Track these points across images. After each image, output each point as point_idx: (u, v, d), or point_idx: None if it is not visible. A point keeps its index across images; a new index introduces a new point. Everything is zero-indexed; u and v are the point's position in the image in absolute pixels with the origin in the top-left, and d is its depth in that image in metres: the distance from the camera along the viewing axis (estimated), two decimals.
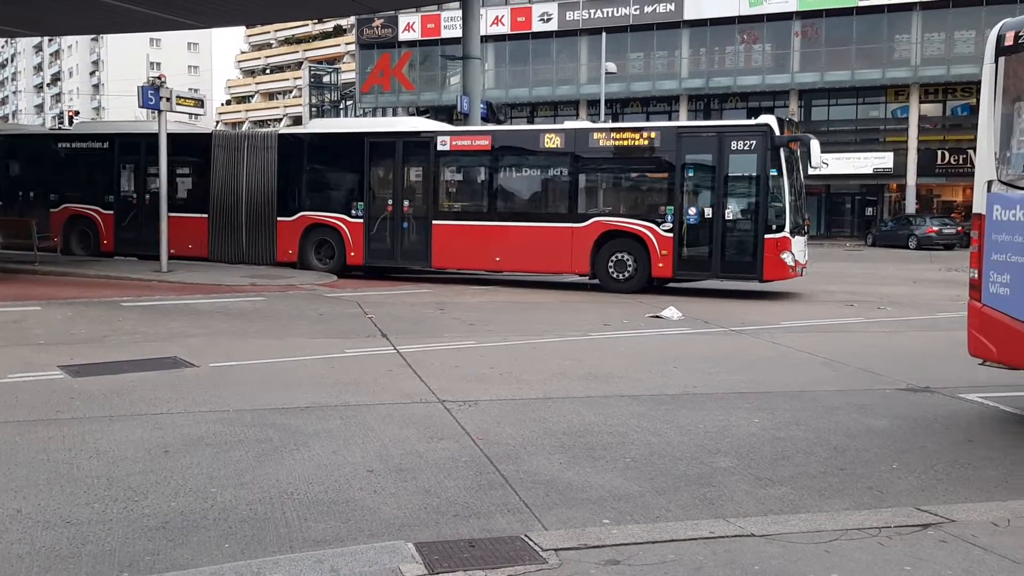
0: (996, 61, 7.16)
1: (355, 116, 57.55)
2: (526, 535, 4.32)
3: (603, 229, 16.87)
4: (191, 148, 20.76)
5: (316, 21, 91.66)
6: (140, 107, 19.52)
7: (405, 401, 7.57)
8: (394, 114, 53.10)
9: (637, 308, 14.34)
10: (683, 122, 37.93)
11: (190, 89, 44.04)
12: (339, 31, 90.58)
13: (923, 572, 3.91)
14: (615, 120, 44.52)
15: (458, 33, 25.40)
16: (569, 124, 19.47)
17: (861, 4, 40.49)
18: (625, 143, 17.05)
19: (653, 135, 16.86)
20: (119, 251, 21.26)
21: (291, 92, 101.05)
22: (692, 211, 16.21)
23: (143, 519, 4.74)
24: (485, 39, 39.58)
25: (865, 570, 3.92)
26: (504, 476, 5.57)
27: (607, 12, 45.15)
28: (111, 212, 21.41)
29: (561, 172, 17.51)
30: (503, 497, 5.20)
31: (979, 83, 7.39)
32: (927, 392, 8.28)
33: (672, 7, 44.10)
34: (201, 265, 20.89)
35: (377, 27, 49.55)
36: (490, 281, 18.55)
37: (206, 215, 20.26)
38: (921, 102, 41.50)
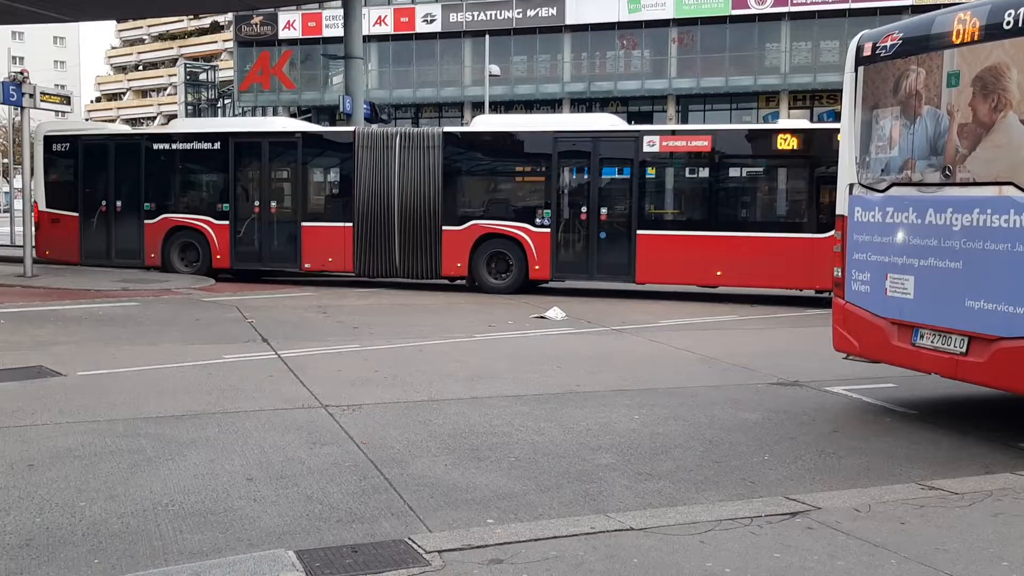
0: (856, 70, 7.55)
1: (234, 115, 56.11)
2: (409, 538, 4.31)
3: None
4: (329, 149, 18.46)
5: (192, 17, 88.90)
6: (1, 104, 18.53)
7: (286, 407, 7.43)
8: (274, 113, 52.00)
9: (522, 309, 14.47)
10: None
11: (56, 85, 42.02)
12: (216, 28, 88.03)
13: (791, 558, 4.09)
14: None
15: (340, 32, 25.08)
16: (807, 124, 17.44)
17: (734, 13, 41.95)
18: None
19: None
20: (236, 267, 18.42)
21: (165, 89, 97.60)
22: None
23: (4, 536, 4.51)
24: (368, 39, 39.17)
25: (738, 559, 4.08)
26: (388, 480, 5.54)
27: (490, 15, 45.36)
28: (225, 223, 18.20)
29: (794, 176, 15.59)
30: (387, 501, 5.17)
31: (842, 91, 7.77)
32: (796, 386, 8.66)
33: (554, 11, 44.65)
34: (68, 269, 19.97)
35: (256, 24, 48.36)
36: (374, 284, 18.36)
37: (350, 224, 17.39)
38: (790, 108, 43.26)
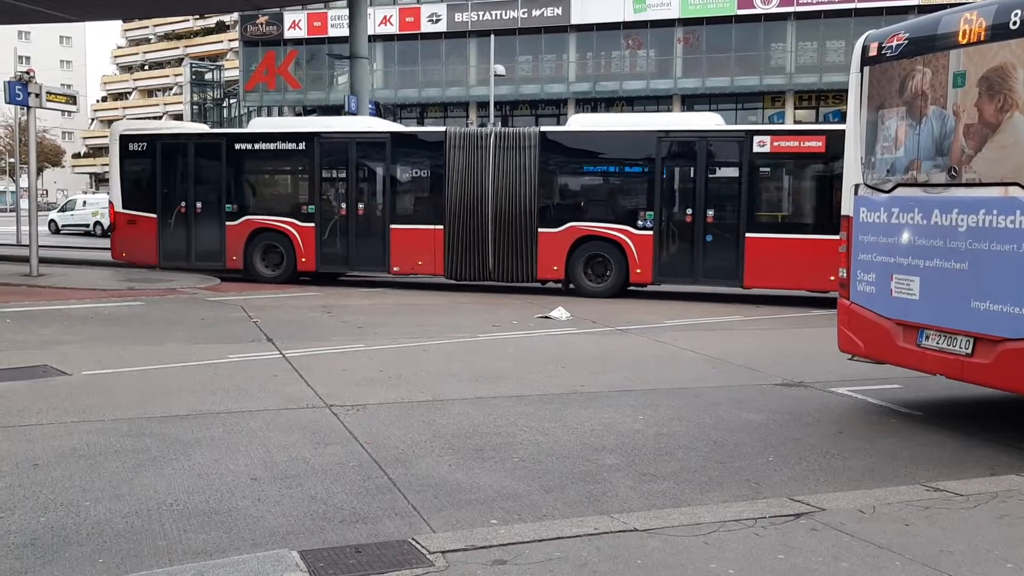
0: (861, 70, 7.54)
1: (238, 116, 56.20)
2: (413, 538, 4.31)
3: None
4: (418, 149, 17.86)
5: (198, 17, 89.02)
6: (6, 103, 18.57)
7: (291, 407, 7.44)
8: (280, 113, 52.08)
9: (527, 309, 14.47)
10: None
11: (62, 85, 42.11)
12: (222, 27, 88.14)
13: (795, 559, 4.08)
14: (504, 123, 44.80)
15: (345, 32, 25.02)
16: None
17: (739, 13, 41.88)
18: None
19: None
20: (321, 269, 17.96)
21: (171, 89, 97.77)
22: None
23: (9, 536, 4.52)
24: (373, 39, 39.18)
25: (742, 560, 4.07)
26: (392, 480, 5.54)
27: (495, 15, 45.36)
28: (311, 225, 17.69)
29: None
30: (391, 501, 5.17)
31: (848, 91, 7.76)
32: (801, 387, 8.64)
33: (559, 11, 44.62)
34: (74, 269, 20.06)
35: (262, 24, 48.42)
36: (379, 283, 18.37)
37: (440, 226, 16.95)
38: (796, 108, 43.18)
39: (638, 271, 16.10)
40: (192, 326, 12.17)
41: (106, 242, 33.52)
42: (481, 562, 3.99)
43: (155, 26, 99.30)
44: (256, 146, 18.18)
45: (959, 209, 6.55)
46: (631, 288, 16.59)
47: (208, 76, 62.47)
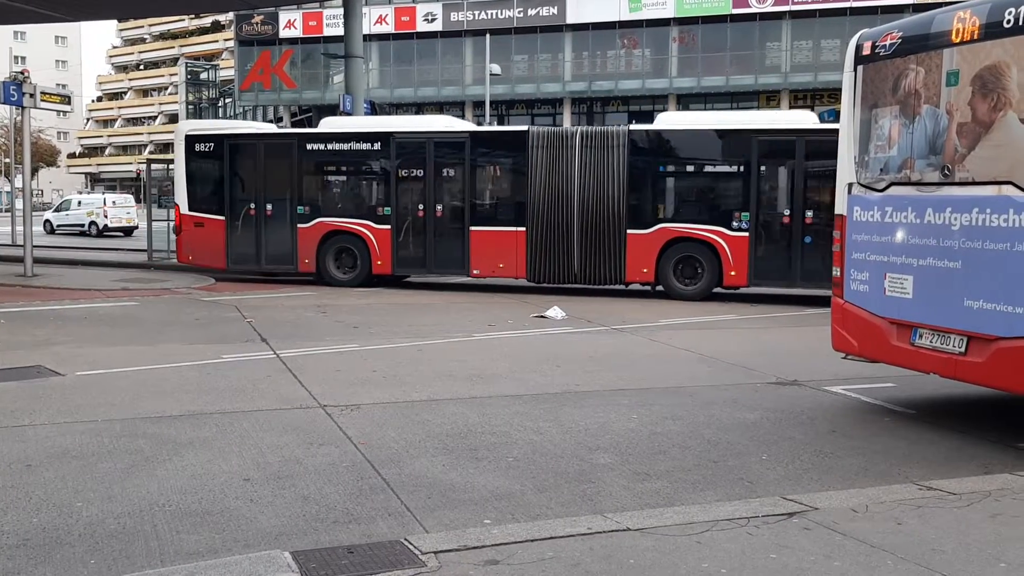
0: (855, 69, 7.54)
1: (234, 115, 56.12)
2: (406, 539, 4.30)
3: None
4: (499, 149, 17.45)
5: (193, 16, 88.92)
6: (1, 103, 18.52)
7: (284, 407, 7.43)
8: (275, 113, 52.02)
9: (522, 308, 14.46)
10: None
11: (57, 85, 42.01)
12: (217, 27, 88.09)
13: (788, 559, 4.08)
14: (500, 122, 44.78)
15: (341, 31, 25.00)
16: None
17: (735, 12, 41.91)
18: None
19: None
20: (398, 272, 17.56)
21: (167, 89, 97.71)
22: None
23: (1, 537, 4.52)
24: (369, 38, 39.16)
25: (734, 559, 4.07)
26: (386, 480, 5.53)
27: (491, 14, 45.34)
28: (387, 227, 17.23)
29: None
30: (384, 501, 5.16)
31: (842, 90, 7.76)
32: (795, 385, 8.64)
33: (555, 11, 44.63)
34: (69, 269, 20.03)
35: (257, 24, 48.36)
36: (374, 283, 18.32)
37: (523, 228, 16.51)
38: (791, 107, 43.19)
39: (732, 273, 15.64)
40: (186, 326, 12.16)
41: (101, 242, 33.58)
42: (474, 562, 3.98)
43: (150, 26, 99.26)
44: (329, 146, 17.70)
45: (952, 208, 6.55)
46: (722, 291, 16.16)
47: (203, 75, 62.34)
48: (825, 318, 8.11)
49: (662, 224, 16.08)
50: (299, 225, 17.64)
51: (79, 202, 42.16)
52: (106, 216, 39.05)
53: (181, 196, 18.35)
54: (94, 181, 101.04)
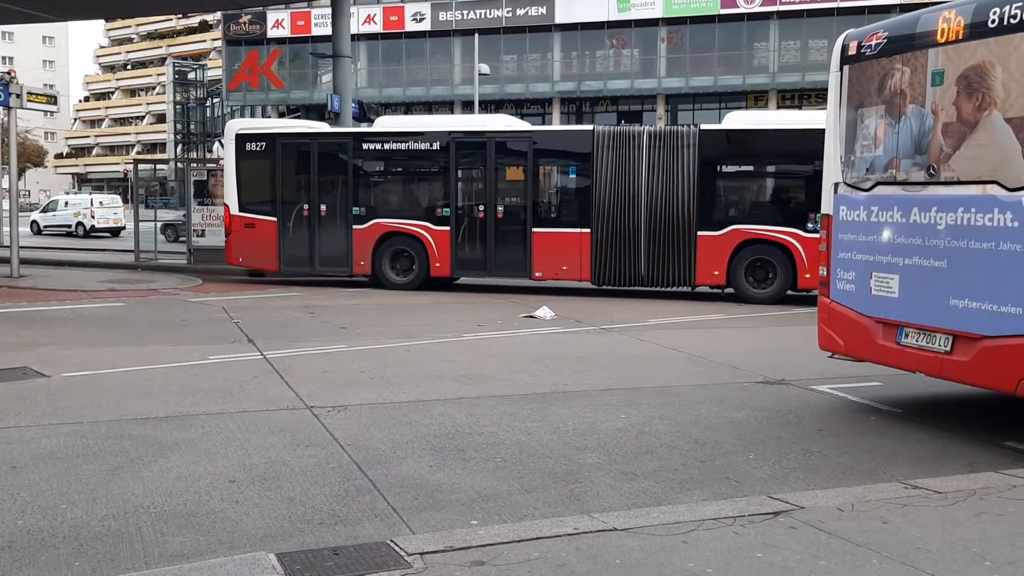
0: (841, 69, 7.56)
1: (222, 114, 55.92)
2: (392, 540, 4.29)
3: None
4: (563, 149, 17.21)
5: (180, 16, 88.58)
6: None
7: (271, 408, 7.40)
8: (263, 113, 51.84)
9: (511, 309, 14.46)
10: None
11: (45, 85, 41.79)
12: (205, 27, 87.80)
13: (773, 558, 4.09)
14: None
15: (329, 31, 24.93)
16: None
17: (722, 12, 42.01)
18: None
19: None
20: (457, 275, 17.32)
21: (154, 89, 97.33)
22: None
23: None
24: (357, 37, 39.09)
25: (720, 559, 4.07)
26: (372, 481, 5.51)
27: (480, 14, 45.34)
28: (446, 228, 16.82)
29: None
30: (371, 503, 5.15)
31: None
32: (782, 384, 8.66)
33: (544, 10, 44.65)
34: (56, 270, 19.90)
35: (245, 23, 48.22)
36: (358, 284, 18.29)
37: (587, 230, 16.14)
38: (779, 107, 43.33)
39: (807, 276, 15.06)
40: (173, 327, 12.11)
41: (88, 243, 33.42)
42: (460, 563, 3.97)
43: (138, 25, 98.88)
44: (386, 145, 17.31)
45: (938, 207, 6.58)
46: (795, 294, 15.66)
47: (191, 75, 62.03)
48: (812, 317, 8.13)
49: (734, 226, 15.71)
50: (354, 226, 17.24)
51: (66, 203, 41.96)
52: (93, 217, 38.89)
53: (231, 196, 17.89)
54: (81, 181, 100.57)
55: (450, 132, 16.97)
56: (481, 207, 16.84)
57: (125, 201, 44.85)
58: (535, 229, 16.45)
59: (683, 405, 7.72)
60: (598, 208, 16.04)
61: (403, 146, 17.23)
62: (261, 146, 17.78)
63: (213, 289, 16.97)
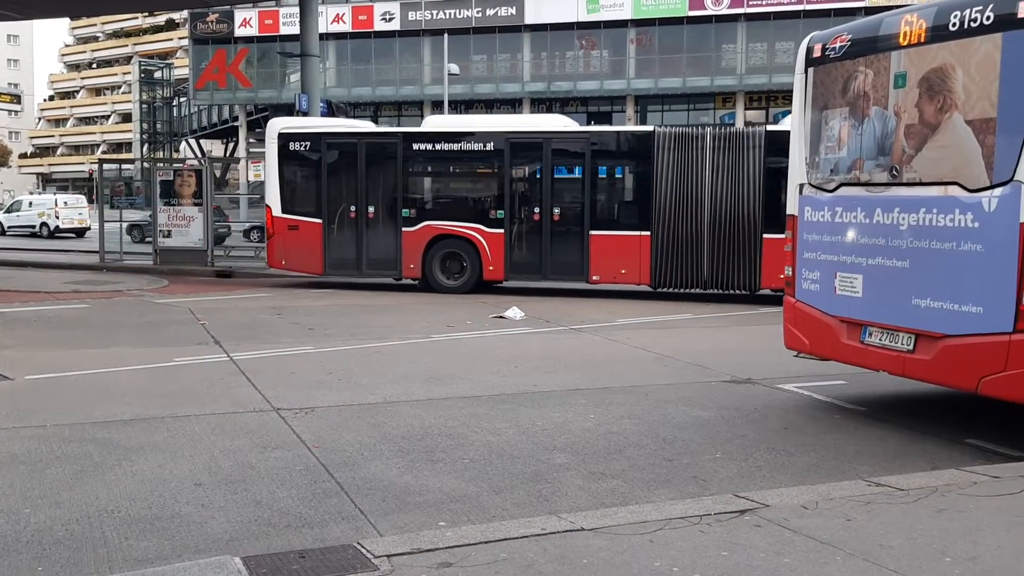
0: (806, 72, 7.64)
1: (189, 113, 55.38)
2: (359, 543, 4.27)
3: None
4: (621, 150, 17.01)
5: (147, 14, 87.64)
6: None
7: (237, 410, 7.34)
8: (230, 112, 51.42)
9: (481, 309, 14.45)
10: None
11: (9, 84, 41.10)
12: (171, 25, 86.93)
13: (738, 556, 4.12)
14: None
15: (297, 30, 24.77)
16: None
17: (691, 14, 42.24)
18: None
19: None
20: (511, 279, 16.86)
21: (119, 88, 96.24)
22: None
23: None
24: (326, 37, 38.88)
25: (686, 557, 4.10)
26: (340, 483, 5.49)
27: (449, 13, 45.25)
28: (499, 231, 16.51)
29: None
30: (338, 505, 5.12)
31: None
32: (749, 383, 8.74)
33: (513, 11, 44.64)
34: (19, 271, 19.58)
35: (212, 22, 47.75)
36: (330, 285, 18.19)
37: (647, 233, 15.83)
38: (746, 109, 43.68)
39: None
40: (138, 329, 11.97)
41: (52, 243, 32.95)
42: (426, 565, 3.97)
43: (103, 24, 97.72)
44: (437, 146, 16.87)
45: (900, 208, 6.67)
46: None
47: (157, 74, 61.37)
48: (778, 317, 8.20)
49: None
50: (404, 229, 16.87)
51: (30, 203, 41.39)
52: (57, 217, 38.41)
53: (273, 197, 17.38)
54: (46, 181, 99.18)
55: (505, 133, 16.70)
56: (536, 209, 16.56)
57: (90, 201, 44.25)
58: (593, 232, 16.20)
59: (651, 404, 7.76)
60: (659, 210, 15.78)
61: (455, 146, 16.92)
62: (305, 146, 17.34)
63: (179, 290, 16.80)
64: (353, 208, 17.15)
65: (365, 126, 18.94)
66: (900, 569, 4.00)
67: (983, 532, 4.46)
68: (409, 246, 16.86)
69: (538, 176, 16.64)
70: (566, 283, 16.86)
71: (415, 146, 16.97)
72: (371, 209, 17.11)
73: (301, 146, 17.37)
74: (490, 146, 16.68)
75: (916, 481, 5.34)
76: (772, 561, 4.07)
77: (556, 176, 16.58)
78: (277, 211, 17.39)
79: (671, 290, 16.12)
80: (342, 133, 17.94)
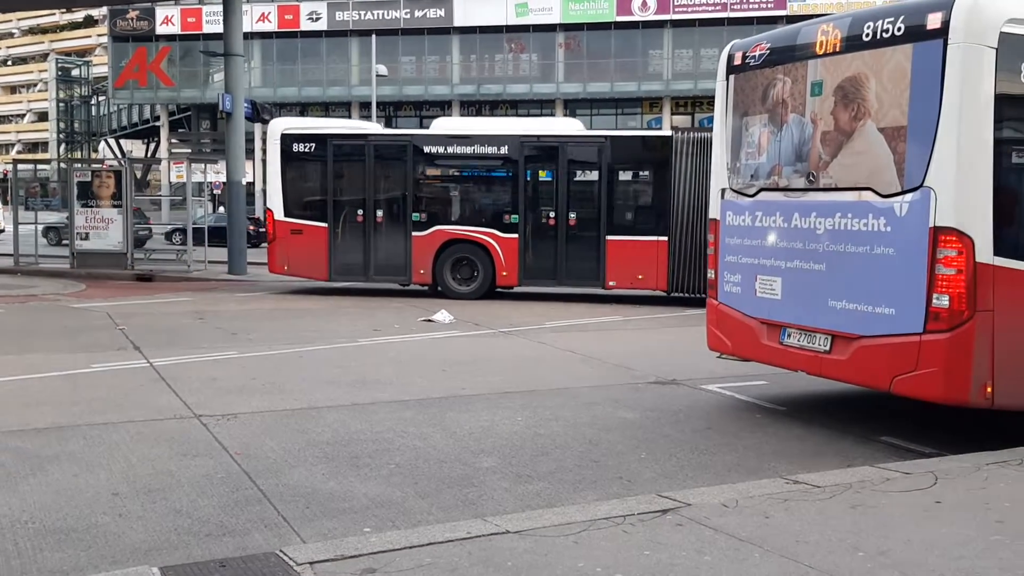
0: (727, 79, 7.80)
1: (108, 113, 53.94)
2: (281, 550, 4.21)
3: None
4: (638, 154, 16.63)
5: (64, 11, 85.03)
6: None
7: (157, 418, 7.17)
8: (151, 111, 50.26)
9: (409, 312, 14.39)
10: None
11: None
12: (90, 22, 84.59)
13: (660, 555, 4.18)
14: (388, 124, 44.43)
15: (221, 28, 24.31)
16: None
17: (618, 19, 42.75)
18: None
19: None
20: (525, 284, 16.56)
21: (36, 86, 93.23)
22: None
23: None
24: (251, 36, 38.25)
25: (609, 557, 4.14)
26: (263, 491, 5.41)
27: (377, 14, 44.96)
28: (513, 236, 16.23)
29: None
30: (260, 513, 5.05)
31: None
32: (674, 384, 8.88)
33: (442, 13, 44.58)
34: None
35: (132, 19, 46.58)
36: (257, 287, 17.89)
37: (664, 238, 15.65)
38: (673, 114, 44.39)
39: None
40: (53, 334, 11.61)
41: None
42: (350, 572, 3.93)
43: (19, 20, 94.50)
44: (448, 149, 16.64)
45: (817, 213, 6.85)
46: None
47: (75, 72, 59.71)
48: (703, 319, 8.35)
49: None
50: (414, 233, 16.47)
51: None
52: None
53: (275, 200, 16.82)
54: None
55: (520, 136, 16.50)
56: (552, 214, 16.36)
57: (4, 203, 42.72)
58: (609, 237, 16.03)
59: (579, 406, 7.83)
60: (676, 215, 15.64)
61: (467, 150, 16.65)
62: (310, 147, 16.83)
63: (97, 294, 16.33)
64: (360, 212, 16.71)
65: (373, 128, 18.70)
66: (815, 564, 4.11)
67: (894, 527, 4.60)
68: (419, 251, 16.54)
69: (553, 180, 16.41)
70: (581, 288, 16.79)
71: (426, 149, 16.75)
72: (379, 213, 16.73)
73: (305, 148, 16.88)
74: (504, 150, 16.47)
75: (832, 478, 5.49)
76: (693, 559, 4.14)
77: (572, 180, 16.42)
78: (279, 215, 16.86)
79: (686, 295, 15.83)
80: (349, 135, 17.58)
